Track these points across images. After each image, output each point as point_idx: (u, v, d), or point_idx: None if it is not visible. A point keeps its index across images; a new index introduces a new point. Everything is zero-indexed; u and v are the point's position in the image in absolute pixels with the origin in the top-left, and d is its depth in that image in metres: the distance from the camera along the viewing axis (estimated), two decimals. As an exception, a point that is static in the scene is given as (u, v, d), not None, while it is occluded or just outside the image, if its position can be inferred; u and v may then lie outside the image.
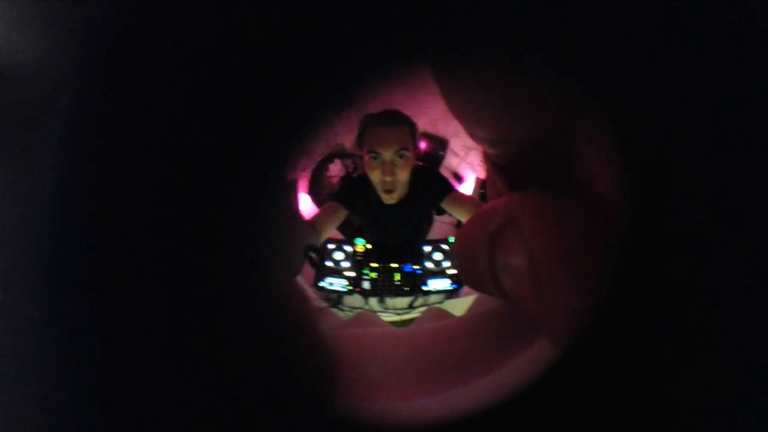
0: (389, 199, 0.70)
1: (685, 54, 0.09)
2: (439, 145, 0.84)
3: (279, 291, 0.12)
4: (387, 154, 0.66)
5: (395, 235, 0.76)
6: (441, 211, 0.73)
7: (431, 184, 0.71)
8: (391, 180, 0.67)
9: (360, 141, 0.68)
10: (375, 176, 0.68)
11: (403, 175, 0.68)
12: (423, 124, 0.75)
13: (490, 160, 0.18)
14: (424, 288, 0.72)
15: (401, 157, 0.66)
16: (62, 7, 0.10)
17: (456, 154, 0.83)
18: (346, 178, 0.79)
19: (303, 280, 0.70)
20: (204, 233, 0.10)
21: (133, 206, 0.09)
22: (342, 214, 0.70)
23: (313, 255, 0.64)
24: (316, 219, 0.68)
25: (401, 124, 0.66)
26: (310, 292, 0.70)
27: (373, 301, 0.73)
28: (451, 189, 0.71)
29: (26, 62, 0.10)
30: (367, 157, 0.67)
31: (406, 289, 0.72)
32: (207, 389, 0.10)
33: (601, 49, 0.09)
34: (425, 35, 0.09)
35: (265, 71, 0.09)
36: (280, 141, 0.10)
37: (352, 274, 0.72)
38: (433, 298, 0.73)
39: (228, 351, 0.10)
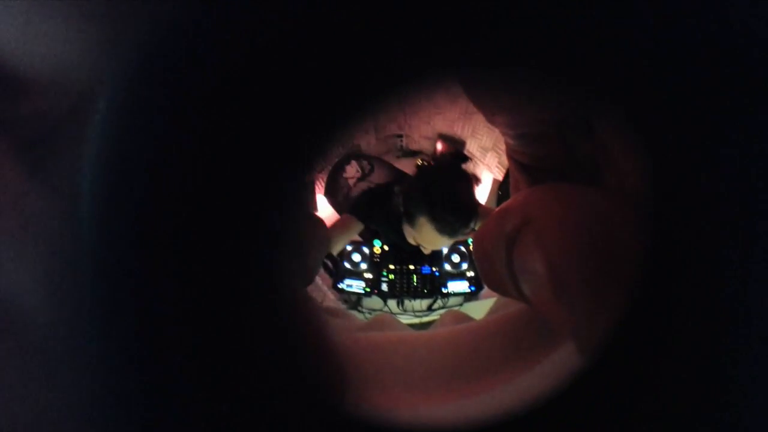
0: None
1: (708, 49, 0.09)
2: (456, 146, 0.83)
3: (293, 295, 0.12)
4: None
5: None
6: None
7: None
8: (427, 252, 0.65)
9: (408, 214, 0.60)
10: (411, 240, 0.64)
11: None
12: (439, 125, 0.75)
13: (513, 159, 0.17)
14: (443, 290, 0.71)
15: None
16: (96, 8, 0.10)
17: (473, 156, 0.82)
18: (365, 193, 0.76)
19: (322, 282, 0.70)
20: (233, 238, 0.10)
21: (168, 212, 0.09)
22: (357, 228, 0.68)
23: (327, 261, 0.64)
24: (331, 231, 0.67)
25: (466, 225, 0.58)
26: (330, 294, 0.70)
27: (392, 303, 0.73)
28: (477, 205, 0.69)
29: (54, 68, 0.10)
30: (408, 235, 0.62)
31: (424, 291, 0.72)
32: (216, 391, 0.10)
33: (619, 47, 0.09)
34: (452, 54, 0.09)
35: (295, 82, 0.09)
36: (303, 146, 0.10)
37: (370, 276, 0.72)
38: (452, 301, 0.73)
39: (240, 354, 0.10)
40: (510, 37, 0.09)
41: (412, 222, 0.61)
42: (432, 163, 0.71)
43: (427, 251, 0.67)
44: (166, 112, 0.09)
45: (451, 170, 0.62)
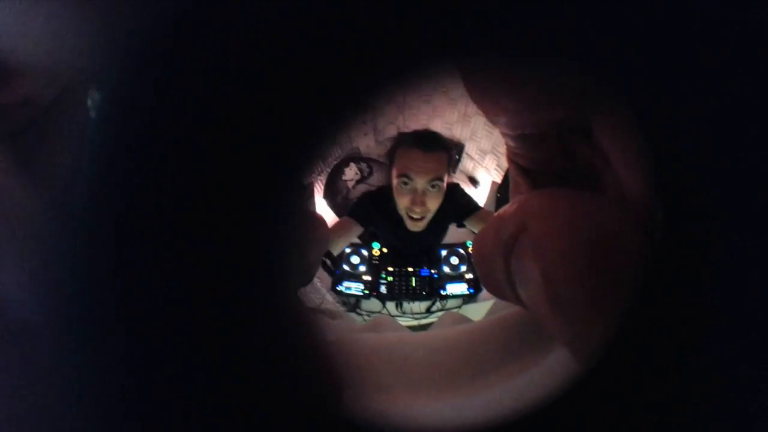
0: (414, 227, 0.68)
1: (715, 47, 0.09)
2: (455, 149, 0.84)
3: (290, 295, 0.12)
4: (420, 183, 0.63)
5: (412, 244, 0.75)
6: (462, 225, 0.72)
7: (457, 203, 0.69)
8: (420, 210, 0.65)
9: (390, 158, 0.64)
10: (403, 202, 0.65)
11: (433, 205, 0.65)
12: (438, 127, 0.75)
13: (513, 162, 0.17)
14: (442, 292, 0.71)
15: (434, 187, 0.63)
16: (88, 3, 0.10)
17: (471, 158, 0.82)
18: (364, 195, 0.77)
19: (321, 285, 0.70)
20: (226, 236, 0.10)
21: (156, 207, 0.09)
22: (357, 231, 0.69)
23: (327, 261, 0.64)
24: (330, 234, 0.67)
25: (439, 150, 0.63)
26: (328, 296, 0.70)
27: (391, 306, 0.73)
28: (478, 209, 0.69)
29: (42, 58, 0.10)
30: (396, 181, 0.64)
31: (423, 293, 0.72)
32: (211, 390, 0.10)
33: (625, 43, 0.09)
34: (448, 43, 0.09)
35: (286, 78, 0.09)
36: (297, 145, 0.10)
37: (369, 278, 0.72)
38: (450, 303, 0.73)
39: (235, 355, 0.10)
40: (512, 27, 0.09)
41: (392, 158, 0.63)
42: None
43: (418, 224, 0.66)
44: (163, 111, 0.09)
45: None
